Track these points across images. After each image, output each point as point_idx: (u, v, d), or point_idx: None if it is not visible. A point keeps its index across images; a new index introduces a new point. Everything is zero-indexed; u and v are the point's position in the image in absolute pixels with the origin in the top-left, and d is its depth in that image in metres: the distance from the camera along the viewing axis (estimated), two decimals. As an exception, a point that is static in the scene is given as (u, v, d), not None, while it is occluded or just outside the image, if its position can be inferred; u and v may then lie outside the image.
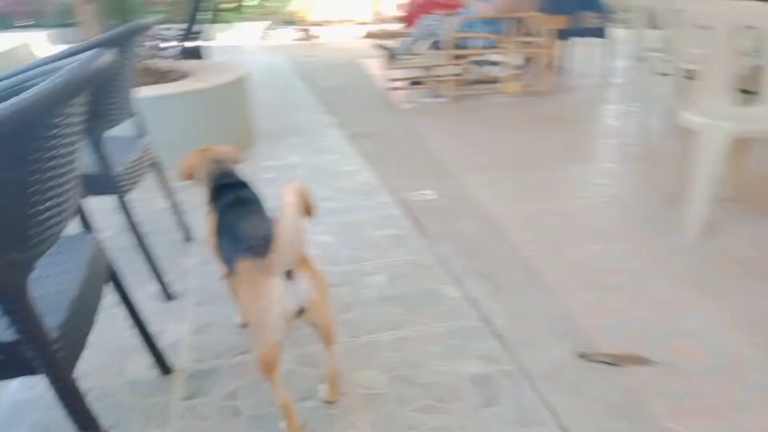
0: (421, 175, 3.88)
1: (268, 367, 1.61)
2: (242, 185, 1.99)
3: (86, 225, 1.77)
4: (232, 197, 1.92)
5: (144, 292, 2.51)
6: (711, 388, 1.88)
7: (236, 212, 1.82)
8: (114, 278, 1.82)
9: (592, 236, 3.00)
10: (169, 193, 2.88)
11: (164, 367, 2.00)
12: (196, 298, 2.47)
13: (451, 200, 3.46)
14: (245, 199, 1.91)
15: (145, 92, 3.86)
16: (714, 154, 2.72)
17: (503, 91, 6.03)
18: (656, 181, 3.79)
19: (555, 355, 2.06)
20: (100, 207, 2.09)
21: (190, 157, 2.11)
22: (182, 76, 4.52)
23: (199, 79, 4.39)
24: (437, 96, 6.10)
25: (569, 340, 2.14)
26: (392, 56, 5.93)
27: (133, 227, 2.33)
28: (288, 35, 12.17)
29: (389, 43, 6.19)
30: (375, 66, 7.22)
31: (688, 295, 2.44)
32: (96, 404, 1.34)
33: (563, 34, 6.57)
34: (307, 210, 1.60)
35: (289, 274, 1.55)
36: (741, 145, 2.96)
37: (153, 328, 2.22)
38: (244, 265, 1.59)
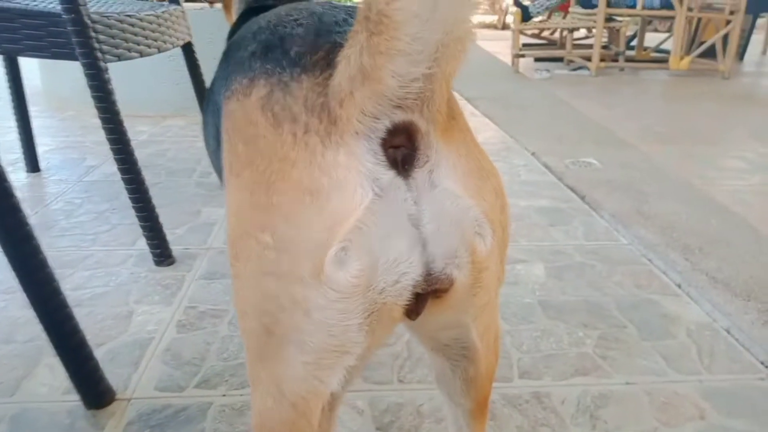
0: (572, 141, 2.66)
1: None
2: None
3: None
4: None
5: (127, 250, 1.49)
6: None
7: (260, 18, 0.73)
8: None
9: None
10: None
11: (94, 394, 0.94)
12: (206, 268, 1.41)
13: (627, 171, 2.21)
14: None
15: None
16: None
17: (668, 67, 4.64)
18: None
19: None
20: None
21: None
22: None
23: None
24: (576, 69, 4.81)
25: None
26: (525, 15, 4.73)
27: (117, 137, 1.30)
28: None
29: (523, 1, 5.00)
30: (499, 47, 6.08)
31: None
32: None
33: (755, 6, 4.98)
34: None
35: (405, 151, 0.42)
36: None
37: (110, 309, 1.19)
38: (241, 101, 0.47)
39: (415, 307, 0.44)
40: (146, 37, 1.42)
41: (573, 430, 0.92)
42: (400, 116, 0.40)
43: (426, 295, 0.44)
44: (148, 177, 1.69)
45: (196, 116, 1.86)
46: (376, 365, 1.06)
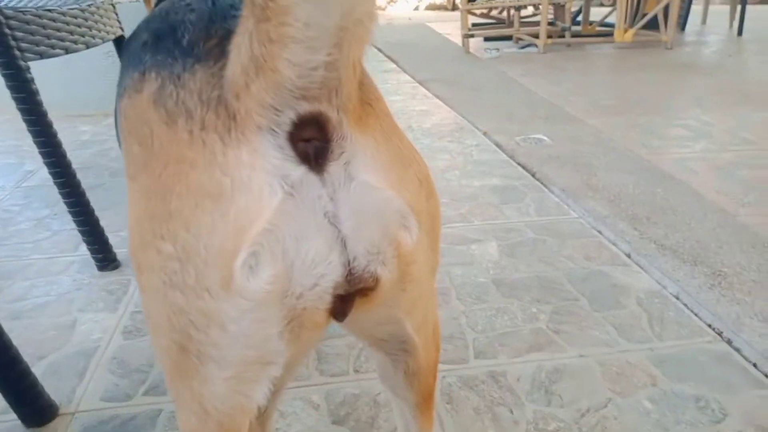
0: (523, 118, 2.67)
1: None
2: None
3: None
4: None
5: (69, 257, 1.43)
6: None
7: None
8: None
9: None
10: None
11: (33, 411, 0.90)
12: (153, 269, 1.36)
13: (576, 146, 2.24)
14: None
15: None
16: None
17: (613, 41, 4.71)
18: None
19: None
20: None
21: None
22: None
23: None
24: (524, 46, 4.85)
25: None
26: (471, -6, 4.73)
27: (45, 139, 1.23)
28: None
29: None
30: (450, 28, 6.07)
31: None
32: None
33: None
34: None
35: (317, 144, 0.38)
36: None
37: (52, 319, 1.14)
38: (133, 98, 0.43)
39: (341, 308, 0.42)
40: (71, 33, 1.35)
41: (529, 407, 0.92)
42: (305, 107, 0.37)
43: (351, 295, 0.41)
44: (90, 179, 1.62)
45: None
46: (332, 357, 1.04)
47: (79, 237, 1.46)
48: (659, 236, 1.49)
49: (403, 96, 3.19)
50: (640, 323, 1.14)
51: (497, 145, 2.27)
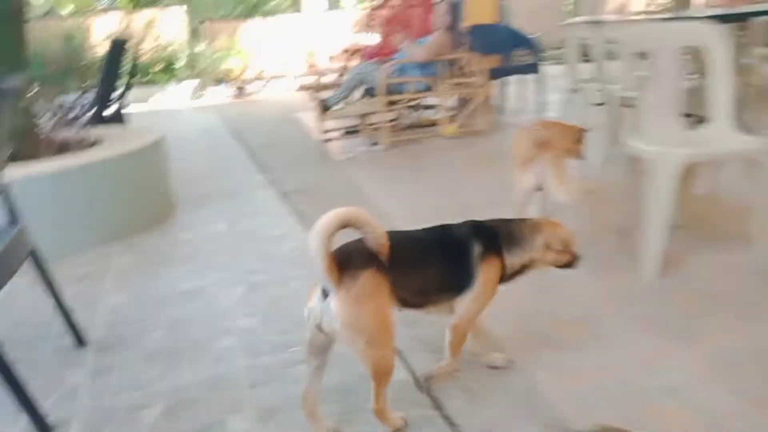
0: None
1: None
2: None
3: None
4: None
5: (12, 427, 1.98)
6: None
7: None
8: None
9: (543, 283, 2.52)
10: (51, 287, 2.39)
11: None
12: (83, 426, 1.95)
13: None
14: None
15: (38, 168, 3.40)
16: (668, 182, 2.48)
17: (441, 134, 5.83)
18: (604, 215, 3.54)
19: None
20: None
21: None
22: (90, 145, 4.11)
23: (108, 147, 3.97)
24: (374, 144, 5.86)
25: (539, 420, 1.80)
26: (325, 107, 5.68)
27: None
28: (221, 93, 11.84)
29: (322, 94, 5.95)
30: (310, 119, 6.98)
31: (660, 342, 2.16)
32: None
33: (496, 73, 6.51)
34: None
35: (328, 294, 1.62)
36: (689, 170, 2.77)
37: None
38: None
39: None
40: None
41: None
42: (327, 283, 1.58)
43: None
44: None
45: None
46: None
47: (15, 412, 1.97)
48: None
49: (265, 217, 3.95)
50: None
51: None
